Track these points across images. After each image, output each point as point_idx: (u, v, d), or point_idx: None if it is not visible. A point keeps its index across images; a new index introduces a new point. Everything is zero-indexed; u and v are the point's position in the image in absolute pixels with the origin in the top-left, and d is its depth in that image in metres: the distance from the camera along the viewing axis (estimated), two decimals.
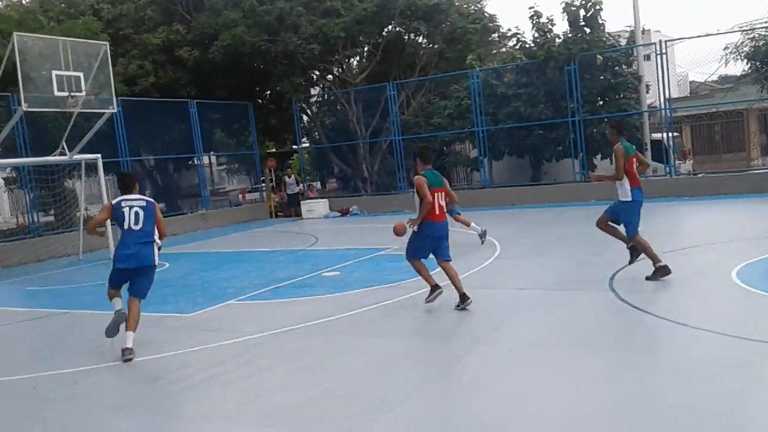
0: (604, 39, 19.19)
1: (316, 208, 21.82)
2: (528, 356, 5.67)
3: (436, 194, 7.40)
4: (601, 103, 19.41)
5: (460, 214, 11.65)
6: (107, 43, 13.82)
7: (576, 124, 18.62)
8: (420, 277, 7.70)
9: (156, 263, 7.03)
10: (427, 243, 7.48)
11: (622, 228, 8.25)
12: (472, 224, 11.77)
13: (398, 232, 7.90)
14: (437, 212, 7.41)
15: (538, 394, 4.75)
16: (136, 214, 6.83)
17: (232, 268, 12.23)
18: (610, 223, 8.29)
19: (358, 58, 24.88)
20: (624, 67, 19.36)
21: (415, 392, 5.03)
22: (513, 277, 8.81)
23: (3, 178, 27.83)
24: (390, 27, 22.94)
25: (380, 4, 21.15)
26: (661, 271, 7.82)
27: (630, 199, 7.95)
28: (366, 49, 24.16)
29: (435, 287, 7.55)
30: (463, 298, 7.35)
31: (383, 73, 23.09)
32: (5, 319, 9.37)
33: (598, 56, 18.56)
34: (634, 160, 8.12)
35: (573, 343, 5.95)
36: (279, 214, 23.44)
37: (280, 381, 5.60)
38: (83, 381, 6.14)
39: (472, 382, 5.18)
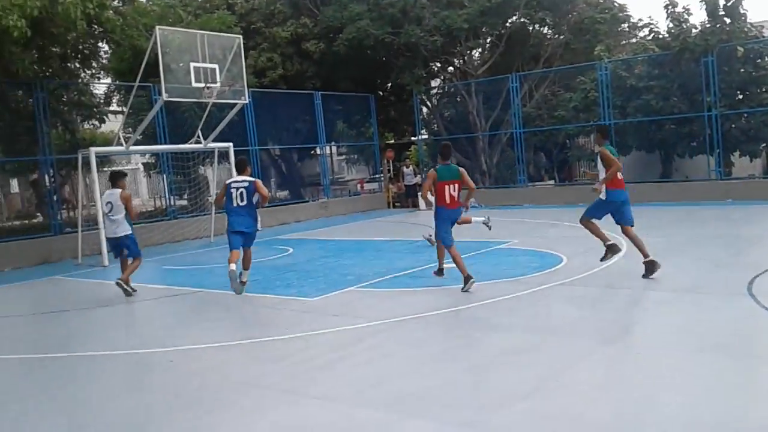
0: (745, 30, 17.91)
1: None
2: (657, 360, 5.41)
3: (446, 186, 8.51)
4: (740, 97, 18.14)
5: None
6: (240, 36, 14.46)
7: (712, 119, 17.52)
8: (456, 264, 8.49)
9: (257, 228, 9.38)
10: (446, 223, 8.64)
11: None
12: (473, 219, 11.88)
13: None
14: (447, 200, 8.56)
15: (666, 399, 4.52)
16: (241, 194, 8.95)
17: (353, 256, 12.50)
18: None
19: (480, 49, 24.62)
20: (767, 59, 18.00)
21: (536, 389, 4.93)
22: (641, 278, 8.42)
23: (142, 164, 29.83)
24: (514, 18, 22.52)
25: None
26: (610, 250, 8.57)
27: (605, 198, 8.47)
28: (489, 40, 23.87)
29: (468, 277, 8.29)
30: (467, 279, 8.26)
31: (505, 64, 22.73)
32: (145, 294, 10.04)
33: (739, 48, 17.34)
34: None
35: (705, 348, 5.62)
36: (396, 204, 23.68)
37: (401, 368, 5.67)
38: (215, 357, 6.50)
39: (597, 383, 5.02)
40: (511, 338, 6.34)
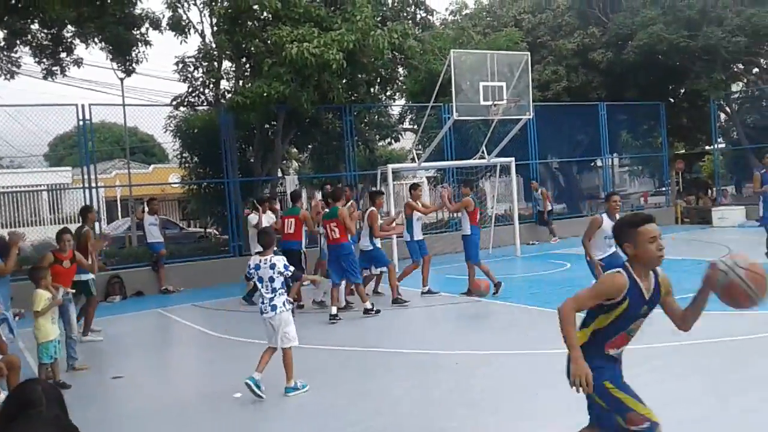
0: None
1: (729, 215, 19.98)
2: None
3: None
4: None
5: None
6: (528, 53, 14.86)
7: None
8: None
9: None
10: None
11: None
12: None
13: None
14: None
15: None
16: None
17: None
18: None
19: None
20: None
21: None
22: None
23: (426, 177, 31.73)
24: None
25: None
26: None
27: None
28: None
29: None
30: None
31: None
32: (433, 300, 10.85)
33: None
34: None
35: None
36: (685, 220, 22.07)
37: (689, 394, 5.50)
38: (497, 363, 6.90)
39: None
40: None
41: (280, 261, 6.31)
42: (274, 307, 6.21)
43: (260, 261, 6.30)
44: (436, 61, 16.46)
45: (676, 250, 15.35)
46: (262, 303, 6.29)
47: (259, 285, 6.32)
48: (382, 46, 13.37)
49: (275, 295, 6.24)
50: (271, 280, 6.23)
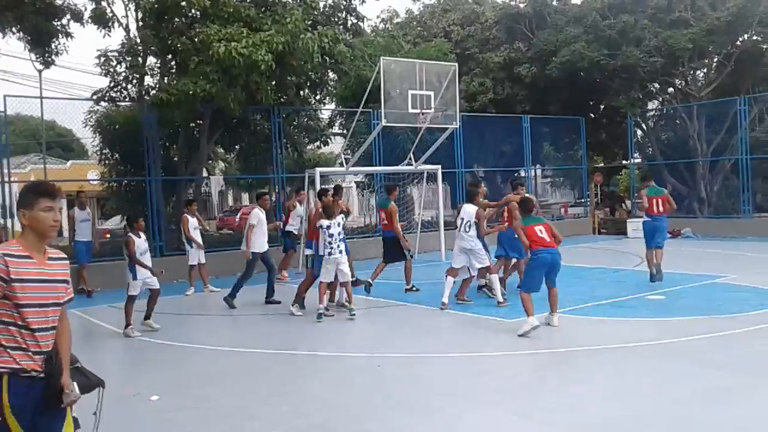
0: None
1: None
2: None
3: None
4: None
5: None
6: (456, 64, 15.12)
7: None
8: None
9: None
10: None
11: None
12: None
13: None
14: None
15: None
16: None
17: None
18: None
19: (705, 70, 23.19)
20: None
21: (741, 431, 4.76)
22: None
23: (355, 182, 31.83)
24: (746, 36, 20.97)
25: (736, 12, 19.48)
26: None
27: None
28: (715, 60, 22.41)
29: None
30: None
31: (733, 85, 21.21)
32: (358, 305, 10.88)
33: None
34: None
35: None
36: (603, 230, 22.94)
37: (597, 395, 5.72)
38: (419, 366, 7.00)
39: None
40: (721, 377, 6.09)
41: (342, 218, 9.60)
42: (341, 252, 9.41)
43: (330, 222, 9.38)
44: (366, 68, 16.54)
45: (592, 259, 16.01)
46: (332, 249, 9.32)
47: (329, 239, 9.31)
48: (312, 49, 13.34)
49: (342, 243, 9.40)
50: (339, 233, 9.39)
